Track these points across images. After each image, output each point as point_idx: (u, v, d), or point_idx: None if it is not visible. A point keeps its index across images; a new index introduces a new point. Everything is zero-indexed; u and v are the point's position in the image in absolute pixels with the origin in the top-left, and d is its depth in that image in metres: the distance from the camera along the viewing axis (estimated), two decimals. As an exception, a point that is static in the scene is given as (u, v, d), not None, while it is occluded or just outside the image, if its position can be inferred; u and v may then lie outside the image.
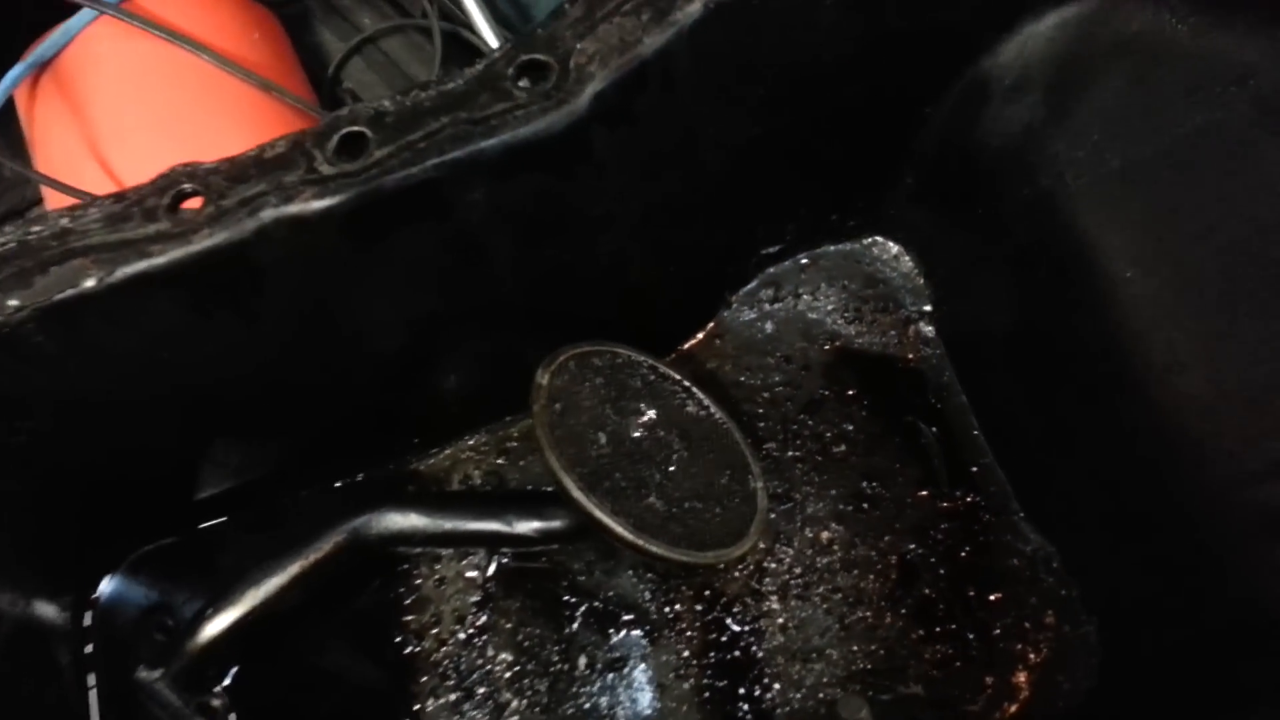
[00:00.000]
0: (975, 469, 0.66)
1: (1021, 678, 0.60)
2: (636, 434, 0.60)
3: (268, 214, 0.47)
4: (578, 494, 0.53)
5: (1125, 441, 0.56)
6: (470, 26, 1.11)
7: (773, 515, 0.65)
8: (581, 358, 0.61)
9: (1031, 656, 0.61)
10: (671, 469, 0.59)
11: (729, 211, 0.64)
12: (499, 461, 0.67)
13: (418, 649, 0.62)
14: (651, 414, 0.62)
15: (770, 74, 0.55)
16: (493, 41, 1.10)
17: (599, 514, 0.53)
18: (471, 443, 0.67)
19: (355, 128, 0.48)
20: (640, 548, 0.53)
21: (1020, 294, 0.62)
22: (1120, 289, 0.54)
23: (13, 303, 0.47)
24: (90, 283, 0.47)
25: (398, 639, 0.61)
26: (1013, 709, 0.60)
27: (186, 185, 0.48)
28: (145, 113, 0.91)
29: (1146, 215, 0.53)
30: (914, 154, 0.64)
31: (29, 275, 0.47)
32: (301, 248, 0.49)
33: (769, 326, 0.71)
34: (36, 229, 0.48)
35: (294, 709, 0.61)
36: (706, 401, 0.64)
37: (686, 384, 0.64)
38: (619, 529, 0.53)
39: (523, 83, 0.49)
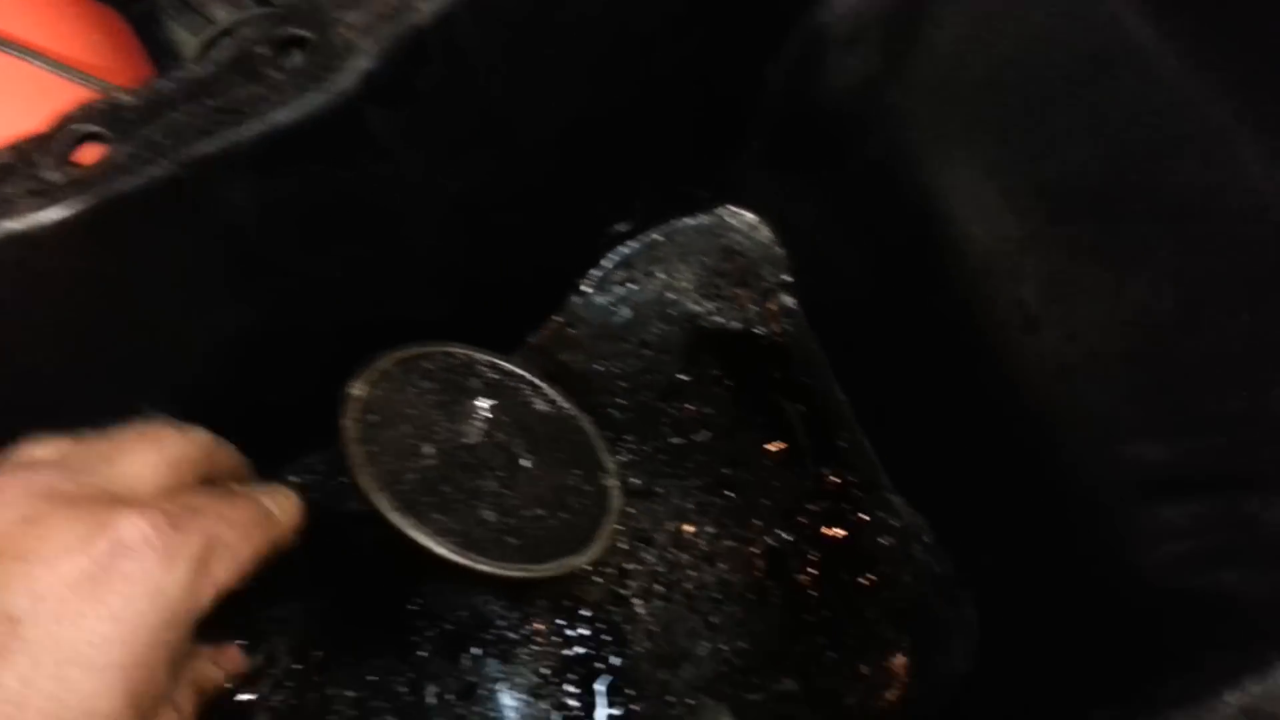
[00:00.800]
0: (843, 445, 0.63)
1: (899, 662, 0.58)
2: (471, 440, 0.55)
3: (-10, 234, 0.40)
4: (390, 514, 0.48)
5: (986, 408, 0.53)
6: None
7: (631, 512, 0.60)
8: (406, 362, 0.55)
9: (908, 639, 0.58)
10: (511, 475, 0.55)
11: (562, 193, 0.59)
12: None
13: (253, 695, 0.57)
14: (489, 416, 0.57)
15: (581, 38, 0.50)
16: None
17: (413, 534, 0.48)
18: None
19: (90, 127, 0.42)
20: (465, 568, 0.48)
21: (875, 258, 0.58)
22: (968, 246, 0.50)
23: None
24: None
25: (227, 685, 0.56)
26: (891, 696, 0.57)
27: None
28: None
29: (988, 166, 0.49)
30: (757, 116, 0.60)
31: None
32: (36, 268, 0.42)
33: (624, 311, 0.66)
34: None
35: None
36: (555, 396, 0.59)
37: (533, 380, 0.59)
38: (438, 549, 0.48)
39: (281, 62, 0.43)
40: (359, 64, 0.43)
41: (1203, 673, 0.33)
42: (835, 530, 0.61)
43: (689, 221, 0.67)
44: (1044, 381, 0.50)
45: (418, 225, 0.52)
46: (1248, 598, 0.39)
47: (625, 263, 0.67)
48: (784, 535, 0.61)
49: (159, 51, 1.04)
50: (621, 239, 0.67)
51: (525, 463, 0.56)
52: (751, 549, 0.60)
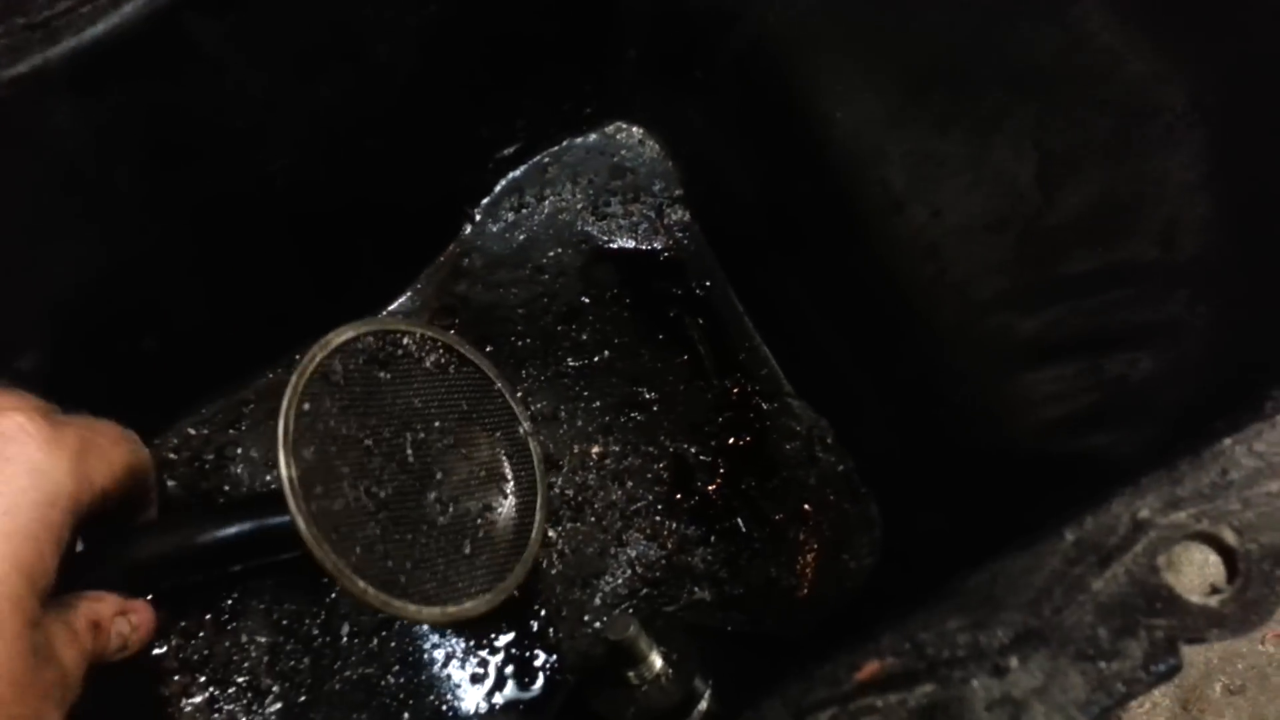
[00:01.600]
0: (744, 354, 0.62)
1: (808, 562, 0.58)
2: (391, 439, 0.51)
3: None
4: (334, 568, 0.44)
5: (865, 295, 0.52)
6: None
7: (540, 438, 0.59)
8: (344, 351, 0.50)
9: (815, 540, 0.58)
10: (431, 478, 0.51)
11: (434, 112, 0.57)
12: (231, 433, 0.60)
13: (163, 648, 0.55)
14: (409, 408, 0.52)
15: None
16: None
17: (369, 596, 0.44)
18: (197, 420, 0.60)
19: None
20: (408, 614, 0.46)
21: (756, 158, 0.57)
22: (835, 132, 0.49)
23: None
24: None
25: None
26: (801, 595, 0.57)
27: None
28: None
29: (848, 47, 0.48)
30: (625, 21, 0.58)
31: None
32: None
33: (520, 236, 0.65)
34: None
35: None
36: (461, 351, 0.55)
37: (446, 343, 0.55)
38: (380, 603, 0.45)
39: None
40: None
41: (1049, 516, 0.32)
42: (741, 438, 0.60)
43: (577, 140, 0.66)
44: (913, 261, 0.49)
45: (271, 148, 0.50)
46: (1118, 454, 0.39)
47: (516, 187, 0.65)
48: (690, 448, 0.60)
49: None
50: (511, 163, 0.65)
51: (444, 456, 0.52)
52: (659, 464, 0.60)
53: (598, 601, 0.57)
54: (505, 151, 0.64)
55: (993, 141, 0.42)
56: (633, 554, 0.58)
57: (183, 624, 0.57)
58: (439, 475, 0.51)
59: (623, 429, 0.61)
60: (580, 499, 0.59)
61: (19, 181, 0.43)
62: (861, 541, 0.57)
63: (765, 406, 0.61)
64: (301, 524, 0.43)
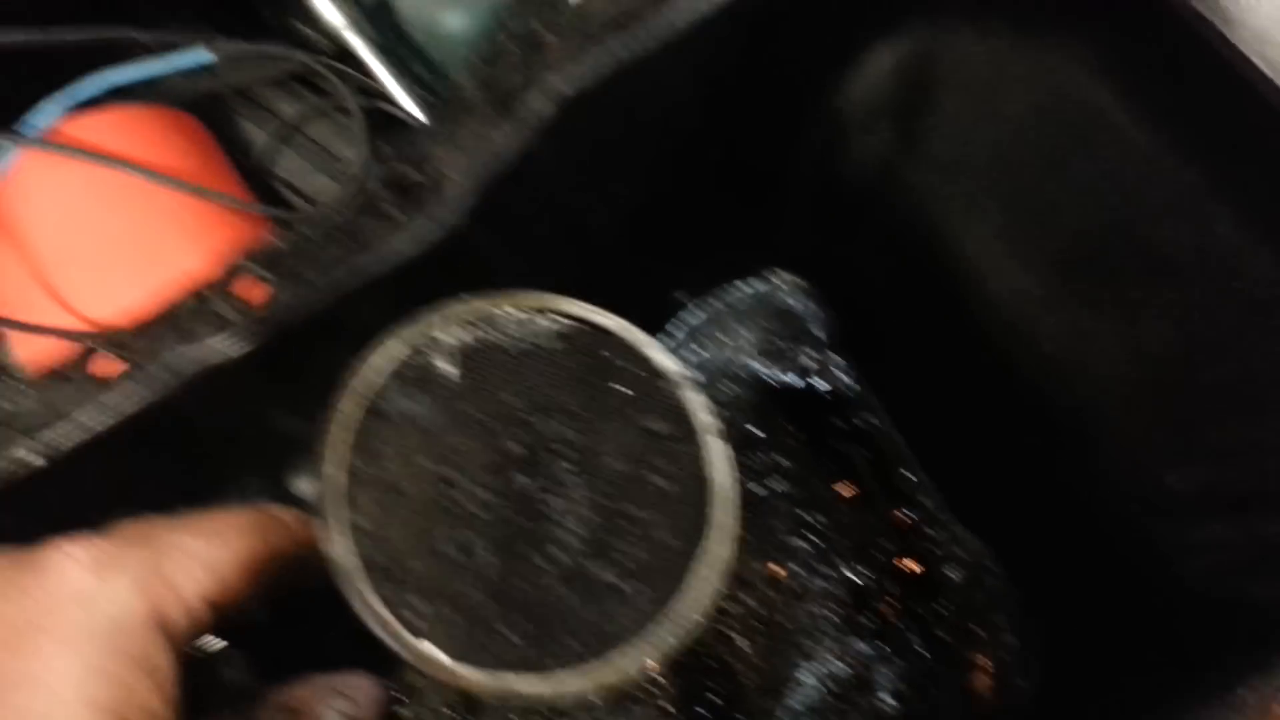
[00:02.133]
0: (908, 484, 0.69)
1: (980, 683, 0.63)
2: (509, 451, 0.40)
3: (185, 368, 0.50)
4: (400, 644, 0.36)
5: (1030, 446, 0.59)
6: (389, 98, 1.15)
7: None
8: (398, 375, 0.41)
9: (987, 661, 0.63)
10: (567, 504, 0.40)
11: (627, 272, 0.67)
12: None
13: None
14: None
15: (632, 146, 0.58)
16: (413, 109, 1.13)
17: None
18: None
19: (253, 270, 0.52)
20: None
21: (911, 314, 0.65)
22: (989, 303, 0.57)
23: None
24: (31, 457, 0.50)
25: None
26: (977, 711, 0.62)
27: (104, 351, 0.51)
28: (87, 236, 0.94)
29: (999, 231, 0.56)
30: (788, 191, 0.67)
31: (-31, 462, 0.50)
32: (225, 394, 0.52)
33: (699, 376, 0.74)
34: (-28, 415, 0.52)
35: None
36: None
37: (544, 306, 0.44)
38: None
39: (397, 201, 0.52)
40: (463, 199, 0.51)
41: (1226, 672, 0.38)
42: (910, 564, 0.67)
43: (745, 289, 0.75)
44: (1067, 418, 0.55)
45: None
46: (1269, 603, 0.43)
47: (690, 331, 0.75)
48: (864, 571, 0.67)
49: (231, 145, 1.16)
50: (683, 308, 0.74)
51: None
52: (836, 586, 0.66)
53: (786, 711, 0.64)
54: (679, 298, 0.74)
55: (1139, 319, 0.49)
56: (818, 668, 0.64)
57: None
58: (560, 491, 0.40)
59: (800, 552, 0.68)
60: (767, 614, 0.66)
61: (333, 359, 0.55)
62: (1032, 664, 0.61)
63: (932, 533, 0.67)
64: (366, 614, 0.36)
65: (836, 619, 0.65)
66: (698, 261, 0.71)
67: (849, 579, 0.67)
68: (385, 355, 0.41)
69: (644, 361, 0.43)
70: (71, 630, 0.34)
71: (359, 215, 0.52)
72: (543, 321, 0.44)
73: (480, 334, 0.43)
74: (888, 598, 0.66)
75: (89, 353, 0.51)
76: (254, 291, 0.52)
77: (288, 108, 1.24)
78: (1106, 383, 0.51)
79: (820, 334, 0.73)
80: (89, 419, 0.50)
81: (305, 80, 1.25)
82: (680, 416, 0.42)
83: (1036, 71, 0.51)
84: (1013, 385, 0.57)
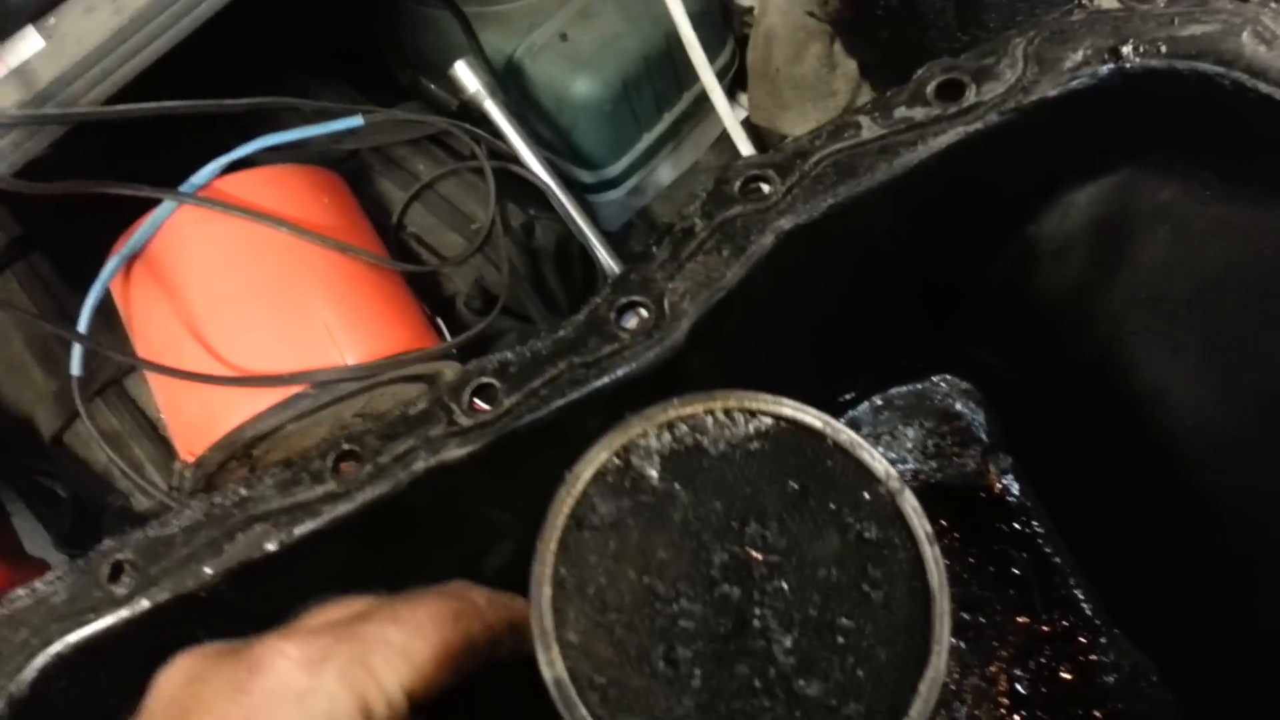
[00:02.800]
0: (1067, 590, 0.70)
1: (1139, 793, 0.64)
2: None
3: (419, 465, 0.54)
4: None
5: (1202, 567, 0.60)
6: (518, 160, 1.20)
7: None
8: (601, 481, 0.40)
9: (1146, 771, 0.65)
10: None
11: (806, 376, 0.70)
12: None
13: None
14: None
15: (834, 272, 0.61)
16: (541, 173, 1.18)
17: None
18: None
19: (485, 379, 0.55)
20: None
21: (1089, 430, 0.66)
22: (1185, 431, 0.58)
23: (207, 570, 0.54)
24: (272, 545, 0.54)
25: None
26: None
27: (345, 447, 0.55)
28: (234, 287, 1.00)
29: (1200, 364, 0.57)
30: (974, 307, 0.69)
31: (218, 544, 0.55)
32: (446, 487, 0.56)
33: (853, 467, 0.76)
34: (219, 500, 0.56)
35: None
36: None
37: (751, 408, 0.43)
38: None
39: (624, 324, 0.55)
40: (685, 323, 0.55)
41: None
42: (1067, 669, 0.68)
43: (906, 388, 0.77)
44: (1263, 549, 0.57)
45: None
46: None
47: (850, 425, 0.77)
48: (1021, 675, 0.68)
49: (368, 201, 1.22)
50: (848, 406, 0.77)
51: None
52: (995, 687, 0.68)
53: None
54: (845, 396, 0.77)
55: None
56: (976, 771, 0.66)
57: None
58: (767, 600, 0.40)
59: (960, 651, 0.70)
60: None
61: (549, 466, 0.58)
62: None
63: (1087, 640, 0.69)
64: None
65: (994, 719, 0.67)
66: (869, 366, 0.74)
67: (1007, 682, 0.68)
68: (589, 463, 0.41)
69: (854, 463, 0.42)
70: None
71: (588, 332, 0.55)
72: (746, 422, 0.43)
73: (683, 436, 0.42)
74: (1046, 702, 0.67)
75: (330, 451, 0.55)
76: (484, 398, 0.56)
77: (422, 167, 1.30)
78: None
79: (985, 438, 0.75)
80: (328, 511, 0.54)
81: (438, 141, 1.31)
82: (893, 522, 0.40)
83: (1241, 220, 0.53)
84: (1191, 517, 0.59)
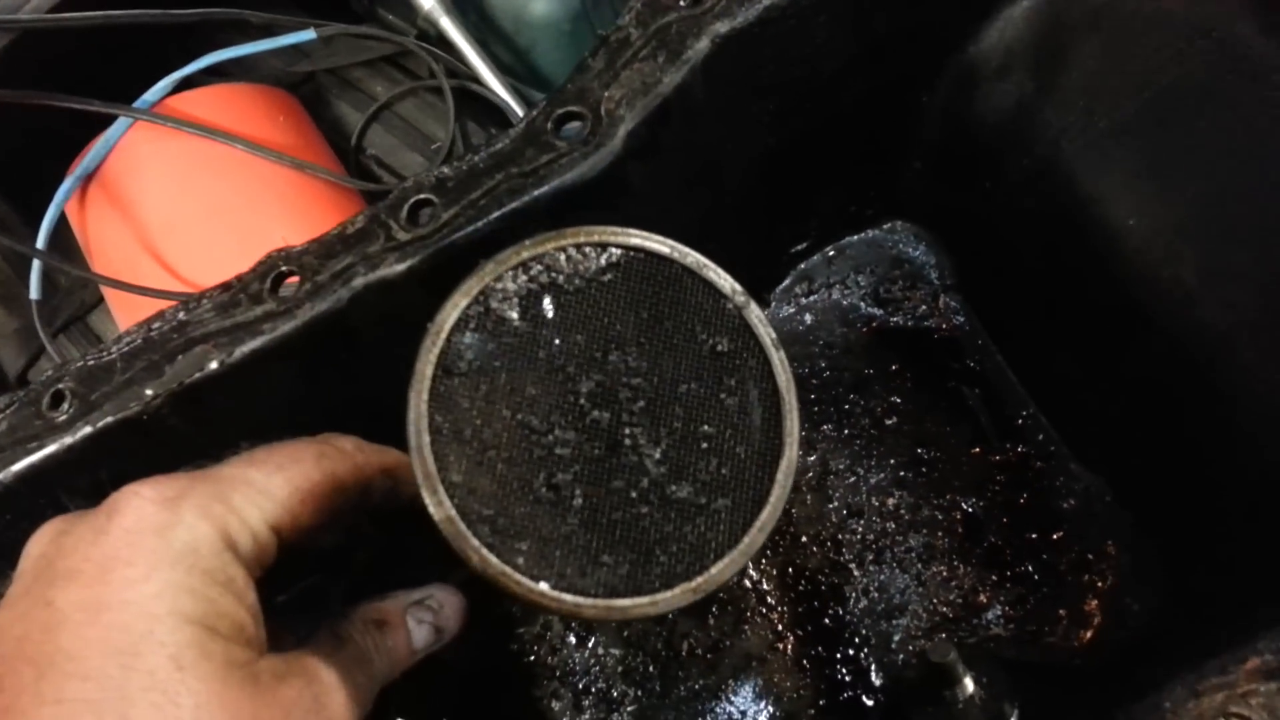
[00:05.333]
0: (1020, 421, 0.71)
1: (1092, 605, 0.65)
2: (584, 388, 0.41)
3: (358, 282, 0.53)
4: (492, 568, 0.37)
5: (1153, 374, 0.60)
6: (477, 79, 1.19)
7: (839, 489, 0.69)
8: (462, 327, 0.41)
9: (1099, 584, 0.65)
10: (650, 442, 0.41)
11: (755, 218, 0.70)
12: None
13: (533, 658, 0.67)
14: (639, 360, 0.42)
15: (776, 90, 0.61)
16: (500, 91, 1.18)
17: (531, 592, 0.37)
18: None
19: (422, 195, 0.55)
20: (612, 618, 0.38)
21: (1035, 253, 0.67)
22: (1126, 236, 0.58)
23: (148, 391, 0.53)
24: (214, 364, 0.53)
25: (514, 647, 0.67)
26: (1088, 635, 0.64)
27: (284, 267, 0.55)
28: (192, 205, 0.99)
29: (1139, 166, 0.58)
30: (917, 140, 0.69)
31: (159, 366, 0.54)
32: (388, 306, 0.55)
33: (808, 318, 0.76)
34: (156, 325, 0.55)
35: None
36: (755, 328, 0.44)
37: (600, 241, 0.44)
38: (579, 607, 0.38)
39: (561, 133, 0.55)
40: (622, 129, 0.54)
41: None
42: (1021, 495, 0.69)
43: (858, 236, 0.77)
44: (1205, 346, 0.57)
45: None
46: None
47: (805, 276, 0.77)
48: (977, 502, 0.69)
49: (325, 124, 1.21)
50: (802, 256, 0.77)
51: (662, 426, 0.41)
52: (950, 516, 0.69)
53: (899, 636, 0.66)
54: (798, 247, 0.77)
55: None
56: (931, 593, 0.66)
57: (547, 636, 0.69)
58: (634, 419, 0.42)
59: (914, 485, 0.70)
60: (881, 544, 0.68)
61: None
62: (1144, 587, 0.63)
63: (1043, 466, 0.69)
64: (482, 566, 0.37)
65: (948, 547, 0.68)
66: (819, 212, 0.74)
67: (963, 509, 0.69)
68: (450, 311, 0.42)
69: (702, 283, 0.45)
70: (150, 556, 0.37)
71: (523, 145, 0.55)
72: (597, 256, 0.44)
73: (538, 275, 0.43)
74: (1000, 527, 0.68)
75: (268, 272, 0.55)
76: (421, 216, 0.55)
77: (379, 88, 1.29)
78: (1241, 310, 0.53)
79: (936, 280, 0.75)
80: (269, 330, 0.54)
81: (395, 63, 1.31)
82: (742, 333, 0.44)
83: (1184, 19, 0.53)
84: (1138, 318, 0.59)
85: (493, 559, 0.38)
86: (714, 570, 0.39)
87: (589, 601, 0.38)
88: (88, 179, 1.04)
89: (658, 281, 0.44)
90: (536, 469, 0.40)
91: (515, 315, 0.42)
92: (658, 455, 0.41)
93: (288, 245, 0.56)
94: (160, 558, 0.37)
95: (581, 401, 0.41)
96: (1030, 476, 0.69)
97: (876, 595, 0.67)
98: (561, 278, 0.44)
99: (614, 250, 0.44)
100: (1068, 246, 0.63)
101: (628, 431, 0.41)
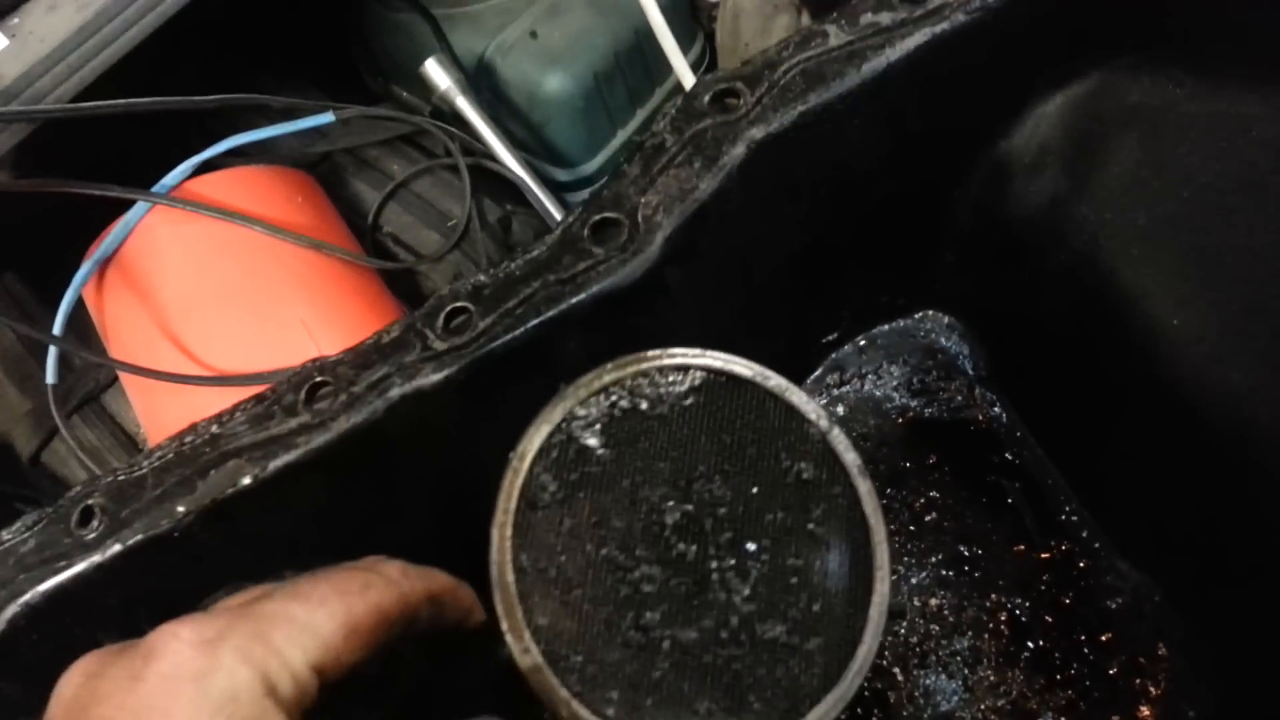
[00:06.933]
0: (1063, 517, 0.69)
1: (1146, 712, 0.62)
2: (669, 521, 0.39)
3: (394, 393, 0.53)
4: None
5: (1201, 473, 0.59)
6: (492, 156, 1.20)
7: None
8: (546, 456, 0.40)
9: (1152, 690, 0.63)
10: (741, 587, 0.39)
11: (787, 311, 0.69)
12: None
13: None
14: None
15: (810, 190, 0.61)
16: (515, 167, 1.18)
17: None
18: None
19: (459, 303, 0.54)
20: None
21: (1072, 348, 0.66)
22: (1169, 333, 0.58)
23: (180, 508, 0.52)
24: (247, 480, 0.52)
25: None
26: (1147, 745, 0.62)
27: (319, 378, 0.54)
28: (209, 288, 0.99)
29: (1181, 264, 0.57)
30: (949, 233, 0.69)
31: (191, 481, 0.53)
32: (424, 416, 0.54)
33: (840, 409, 0.75)
34: (189, 438, 0.54)
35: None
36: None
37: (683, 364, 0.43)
38: None
39: (598, 241, 0.54)
40: (659, 235, 0.54)
41: None
42: (1067, 594, 0.67)
43: (889, 326, 0.76)
44: (1254, 446, 0.56)
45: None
46: None
47: (836, 366, 0.76)
48: (1022, 603, 0.67)
49: (343, 203, 1.22)
50: (832, 347, 0.76)
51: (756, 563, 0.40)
52: (995, 617, 0.67)
53: (945, 745, 0.64)
54: (829, 337, 0.76)
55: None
56: (979, 699, 0.64)
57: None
58: (722, 552, 0.40)
59: (956, 584, 0.68)
60: (925, 647, 0.66)
61: (527, 388, 0.57)
62: (1199, 691, 0.61)
63: (1088, 564, 0.67)
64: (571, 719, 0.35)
65: (994, 650, 0.66)
66: (850, 303, 0.74)
67: (1008, 610, 0.67)
68: (531, 440, 0.40)
69: (785, 406, 0.43)
70: (188, 706, 0.35)
71: (562, 250, 0.54)
72: (679, 379, 0.43)
73: (619, 401, 0.42)
74: (1047, 629, 0.66)
75: (303, 383, 0.54)
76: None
77: (396, 167, 1.30)
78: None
79: (970, 370, 0.74)
80: (303, 444, 0.53)
81: (411, 142, 1.32)
82: (826, 459, 0.42)
83: (1215, 117, 0.53)
84: (1185, 417, 0.58)
85: (584, 711, 0.36)
86: (811, 717, 0.37)
87: None
88: (106, 262, 1.04)
89: (740, 405, 0.43)
90: (624, 609, 0.38)
91: (597, 443, 0.41)
92: (747, 591, 0.39)
93: (323, 355, 0.55)
94: (198, 708, 0.35)
95: (667, 534, 0.39)
96: (1075, 575, 0.67)
97: (923, 701, 0.65)
98: (644, 403, 0.42)
99: (696, 373, 0.43)
100: (1106, 343, 0.62)
101: (715, 565, 0.39)
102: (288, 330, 0.97)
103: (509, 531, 0.38)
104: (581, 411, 0.41)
